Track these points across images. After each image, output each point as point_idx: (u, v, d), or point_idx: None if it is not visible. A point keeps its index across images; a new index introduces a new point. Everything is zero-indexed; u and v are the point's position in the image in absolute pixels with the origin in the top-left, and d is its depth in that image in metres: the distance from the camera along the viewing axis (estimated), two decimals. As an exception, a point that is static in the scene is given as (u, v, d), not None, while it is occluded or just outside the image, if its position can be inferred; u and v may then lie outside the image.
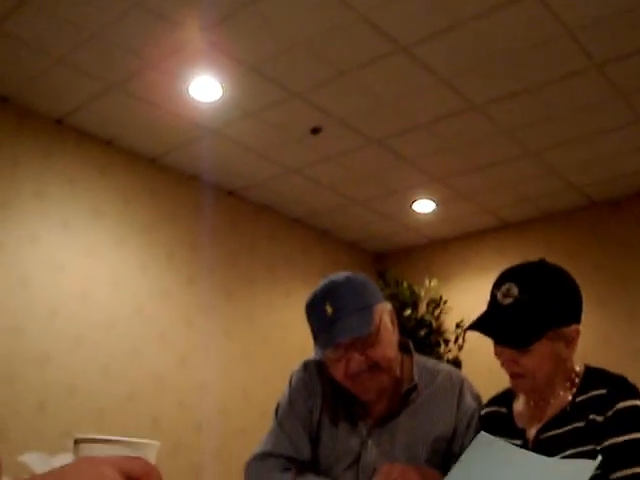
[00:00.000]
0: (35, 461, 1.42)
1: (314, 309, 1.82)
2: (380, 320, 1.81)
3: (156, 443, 1.07)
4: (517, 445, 1.64)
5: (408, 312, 6.23)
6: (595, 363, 1.80)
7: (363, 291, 1.82)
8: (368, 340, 1.76)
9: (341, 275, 1.86)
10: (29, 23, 3.88)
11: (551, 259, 1.74)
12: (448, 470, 1.83)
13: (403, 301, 6.31)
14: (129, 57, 4.14)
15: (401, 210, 6.26)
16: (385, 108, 4.60)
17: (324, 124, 4.81)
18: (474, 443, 1.29)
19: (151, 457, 1.06)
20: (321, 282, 1.87)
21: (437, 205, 6.15)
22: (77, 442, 1.07)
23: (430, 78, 4.25)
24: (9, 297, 4.52)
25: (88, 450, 1.04)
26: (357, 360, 1.75)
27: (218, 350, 5.61)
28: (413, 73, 4.21)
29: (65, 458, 1.41)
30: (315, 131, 4.91)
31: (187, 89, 4.43)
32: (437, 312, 6.42)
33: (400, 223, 6.57)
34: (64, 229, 4.87)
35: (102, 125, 4.95)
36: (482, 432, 1.68)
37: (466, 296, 6.36)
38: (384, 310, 1.85)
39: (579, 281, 1.72)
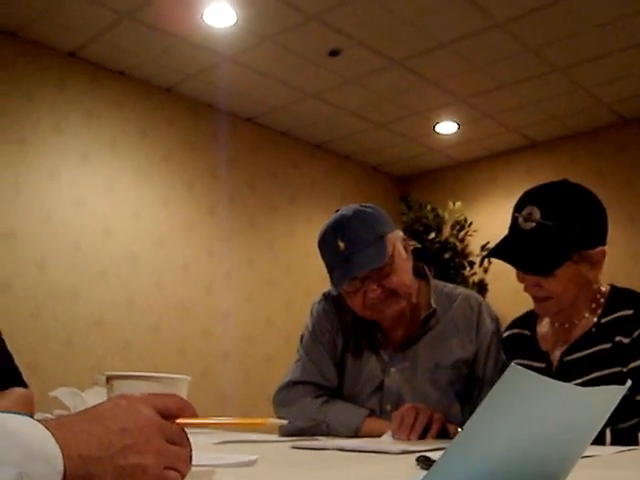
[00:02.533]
0: (66, 396, 1.47)
1: (326, 245, 1.85)
2: (393, 249, 1.83)
3: (187, 378, 1.11)
4: (541, 367, 1.67)
5: (432, 235, 6.25)
6: (624, 281, 1.79)
7: (374, 222, 1.84)
8: (383, 270, 1.79)
9: (350, 208, 1.88)
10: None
11: (580, 178, 1.68)
12: (471, 392, 1.88)
13: (427, 224, 6.32)
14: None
15: (424, 132, 6.21)
16: (406, 27, 4.52)
17: (343, 46, 4.74)
18: (500, 380, 1.33)
19: (183, 391, 1.10)
20: (331, 217, 1.89)
21: (461, 126, 6.09)
22: (110, 379, 1.11)
23: (451, -5, 4.15)
24: (33, 234, 4.62)
25: (121, 387, 1.08)
26: (374, 291, 1.79)
27: (241, 279, 5.70)
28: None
29: (96, 392, 1.46)
30: (333, 53, 4.84)
31: (201, 15, 4.38)
32: (462, 235, 6.43)
33: (423, 145, 6.53)
34: (83, 163, 4.91)
35: (116, 56, 4.93)
36: (511, 364, 1.71)
37: (492, 218, 6.35)
38: (396, 238, 1.87)
39: (608, 199, 1.67)
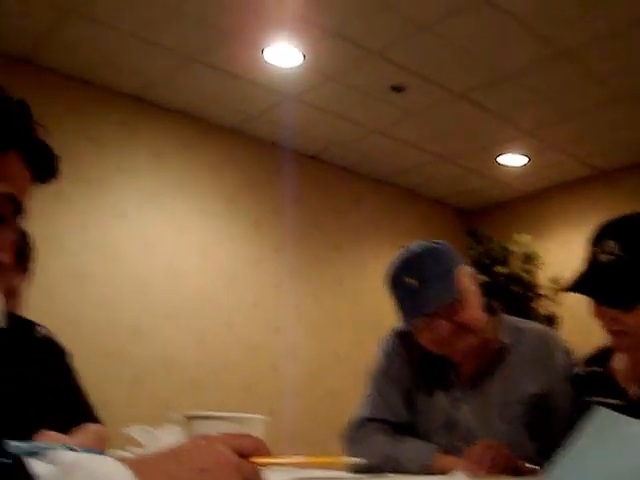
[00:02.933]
0: (140, 433, 1.48)
1: (395, 282, 1.85)
2: (462, 283, 1.82)
3: (262, 417, 1.12)
4: (619, 405, 1.62)
5: (499, 268, 6.15)
6: None
7: (441, 257, 1.84)
8: (452, 305, 1.78)
9: (418, 244, 1.88)
10: (105, 3, 3.97)
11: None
12: (542, 428, 1.84)
13: (494, 257, 6.24)
14: (206, 29, 4.20)
15: (489, 165, 6.16)
16: (469, 61, 4.51)
17: (405, 81, 4.76)
18: (587, 421, 1.30)
19: (259, 430, 1.10)
20: (398, 253, 1.89)
21: (526, 158, 6.02)
22: (188, 419, 1.12)
23: (515, 26, 4.13)
24: (101, 273, 4.72)
25: (199, 427, 1.09)
26: (443, 326, 1.78)
27: (308, 314, 5.71)
28: (497, 22, 4.10)
29: (168, 430, 1.47)
30: (397, 89, 4.87)
31: (264, 56, 4.46)
32: (530, 267, 6.32)
33: (488, 178, 6.47)
34: (150, 203, 5.02)
35: (182, 98, 5.05)
36: (593, 405, 1.66)
37: (560, 249, 6.25)
38: (464, 273, 1.86)
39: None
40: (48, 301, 4.37)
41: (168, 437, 1.45)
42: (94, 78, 4.81)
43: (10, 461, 0.65)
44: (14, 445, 1.31)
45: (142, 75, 4.77)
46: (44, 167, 1.07)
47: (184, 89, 4.93)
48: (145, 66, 4.66)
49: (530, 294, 6.20)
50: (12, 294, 1.93)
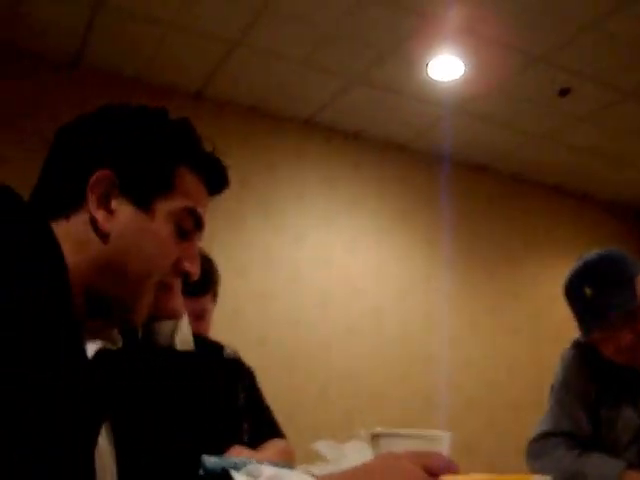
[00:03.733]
0: (327, 448, 1.51)
1: (573, 293, 1.80)
2: (642, 292, 1.74)
3: (449, 434, 1.12)
4: None
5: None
6: None
7: (620, 266, 1.77)
8: (634, 314, 1.70)
9: (595, 253, 1.82)
10: (269, 32, 4.13)
11: None
12: None
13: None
14: (367, 49, 4.26)
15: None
16: (638, 57, 4.29)
17: (572, 84, 4.60)
18: None
19: (445, 448, 1.11)
20: (575, 263, 1.84)
21: None
22: (376, 436, 1.15)
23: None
24: (283, 293, 4.90)
25: (387, 444, 1.11)
26: (625, 336, 1.71)
27: (484, 327, 5.62)
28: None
29: (354, 446, 1.50)
30: (563, 93, 4.71)
31: (427, 71, 4.47)
32: None
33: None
34: (326, 225, 5.16)
35: (348, 119, 5.14)
36: None
37: None
38: None
39: None
40: (235, 322, 4.59)
41: (355, 453, 1.47)
42: (264, 107, 5.00)
43: (219, 472, 0.70)
44: (211, 460, 1.40)
45: (309, 101, 4.91)
46: (215, 178, 1.12)
47: (349, 110, 5.02)
48: (311, 91, 4.79)
49: None
50: (200, 317, 2.04)
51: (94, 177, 0.99)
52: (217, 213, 4.77)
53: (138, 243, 0.99)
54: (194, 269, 1.06)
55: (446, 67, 4.41)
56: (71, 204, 0.99)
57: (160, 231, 1.01)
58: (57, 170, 1.04)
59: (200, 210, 1.07)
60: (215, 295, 2.04)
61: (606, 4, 3.81)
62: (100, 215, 0.98)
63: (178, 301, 2.01)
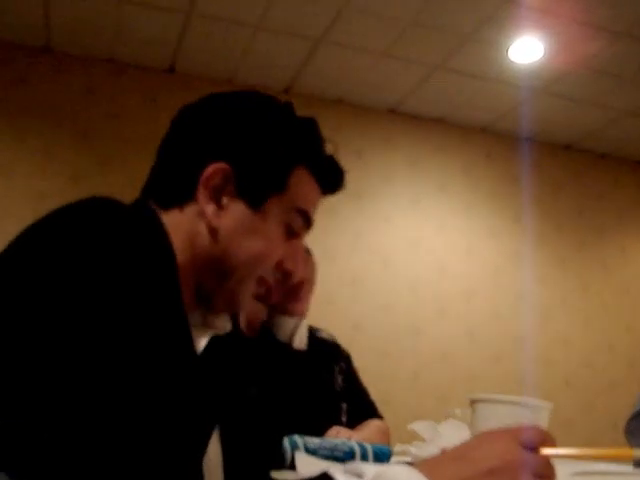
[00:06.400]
0: (423, 429, 1.51)
1: None
2: None
3: (549, 404, 1.09)
4: None
5: None
6: None
7: None
8: None
9: None
10: (350, 27, 4.13)
11: None
12: None
13: None
14: (446, 35, 4.20)
15: None
16: None
17: (658, 57, 4.40)
18: None
19: (544, 419, 1.07)
20: None
21: None
22: (473, 402, 1.13)
23: None
24: (374, 277, 4.91)
25: (486, 410, 1.09)
26: None
27: (577, 304, 5.47)
28: None
29: (450, 425, 1.49)
30: (649, 67, 4.51)
31: (507, 53, 4.37)
32: None
33: None
34: (414, 207, 5.13)
35: (432, 106, 5.09)
36: None
37: None
38: None
39: None
40: (329, 307, 4.62)
41: (450, 432, 1.46)
42: (350, 98, 5.02)
43: (317, 475, 0.69)
44: (311, 440, 1.41)
45: (393, 90, 4.89)
46: (331, 181, 1.09)
47: (432, 98, 4.97)
48: (394, 81, 4.76)
49: None
50: (299, 303, 2.04)
51: (210, 169, 0.95)
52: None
53: (246, 243, 0.95)
54: (297, 268, 1.03)
55: (527, 49, 4.29)
56: (186, 194, 0.96)
57: (270, 233, 0.97)
58: (174, 156, 1.00)
59: (311, 211, 1.03)
60: (313, 283, 2.04)
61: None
62: (210, 209, 0.94)
63: (305, 304, 2.04)
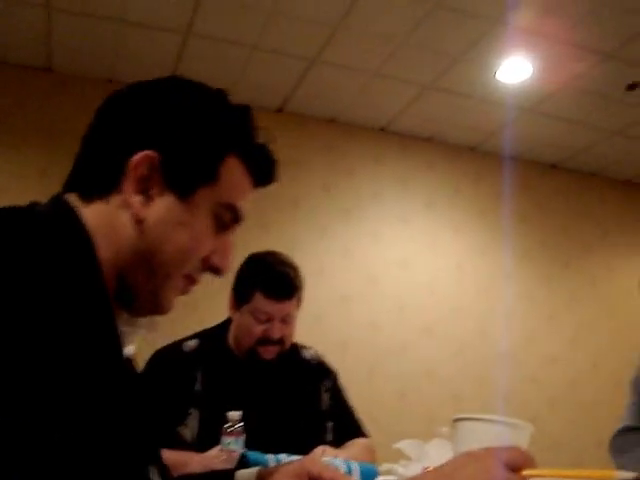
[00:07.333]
0: (410, 448, 1.51)
1: None
2: None
3: (530, 425, 1.10)
4: None
5: None
6: None
7: None
8: None
9: None
10: (343, 48, 4.16)
11: None
12: None
13: None
14: (436, 56, 4.23)
15: None
16: None
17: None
18: None
19: (524, 438, 1.09)
20: None
21: None
22: (455, 421, 1.14)
23: None
24: (363, 295, 4.89)
25: (468, 429, 1.10)
26: None
27: (562, 322, 5.48)
28: None
29: (436, 444, 1.49)
30: (632, 87, 4.56)
31: (495, 74, 4.41)
32: None
33: None
34: (403, 225, 5.14)
35: (422, 124, 5.11)
36: None
37: None
38: None
39: None
40: (317, 324, 4.61)
41: (436, 451, 1.47)
42: (342, 118, 5.04)
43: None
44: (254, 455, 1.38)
45: (384, 109, 4.91)
46: (264, 172, 1.00)
47: (423, 117, 4.99)
48: (385, 101, 4.79)
49: None
50: (284, 322, 2.02)
51: (136, 157, 0.88)
52: (298, 217, 4.82)
53: (173, 235, 0.89)
54: (224, 264, 0.95)
55: (515, 69, 4.33)
56: (111, 184, 0.89)
57: (197, 225, 0.91)
58: (99, 145, 0.93)
59: (241, 204, 0.96)
60: (299, 300, 2.04)
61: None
62: (136, 200, 0.88)
63: (289, 330, 2.03)
